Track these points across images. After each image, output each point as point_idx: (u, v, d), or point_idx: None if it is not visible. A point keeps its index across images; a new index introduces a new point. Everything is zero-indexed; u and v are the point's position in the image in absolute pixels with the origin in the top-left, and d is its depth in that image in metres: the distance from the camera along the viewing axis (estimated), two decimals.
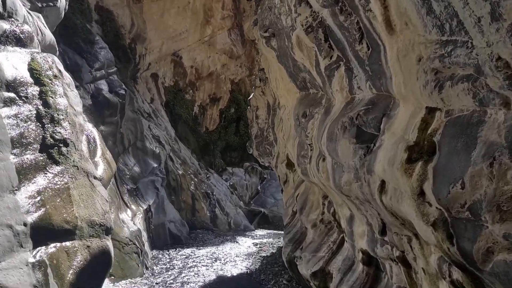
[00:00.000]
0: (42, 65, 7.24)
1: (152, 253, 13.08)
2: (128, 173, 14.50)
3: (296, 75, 8.09)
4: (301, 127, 7.69)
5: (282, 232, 21.05)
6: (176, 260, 12.63)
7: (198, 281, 10.76)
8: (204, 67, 25.99)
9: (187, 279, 10.86)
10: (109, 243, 6.87)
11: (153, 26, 22.10)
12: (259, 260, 13.15)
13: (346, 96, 5.91)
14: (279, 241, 15.86)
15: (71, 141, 6.99)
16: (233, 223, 20.19)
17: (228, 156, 27.11)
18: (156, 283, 10.22)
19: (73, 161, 6.85)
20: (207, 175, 22.87)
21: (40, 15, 9.34)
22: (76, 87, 13.05)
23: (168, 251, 13.70)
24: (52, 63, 7.63)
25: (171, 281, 10.57)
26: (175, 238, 14.99)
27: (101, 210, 6.90)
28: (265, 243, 16.14)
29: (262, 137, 14.69)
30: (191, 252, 13.80)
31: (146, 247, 12.47)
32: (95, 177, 7.34)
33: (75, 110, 7.80)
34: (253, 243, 16.12)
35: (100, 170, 10.60)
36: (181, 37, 24.12)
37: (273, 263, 12.42)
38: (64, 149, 6.73)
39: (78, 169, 6.91)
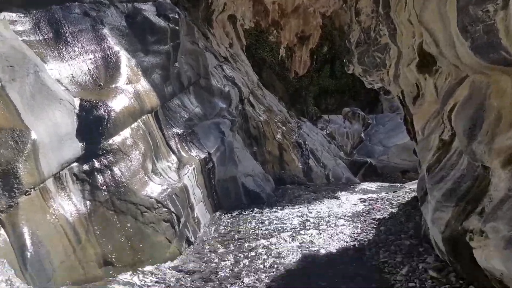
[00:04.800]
0: None
1: (210, 218, 8.39)
2: (185, 115, 9.90)
3: None
4: None
5: (397, 184, 15.11)
6: (246, 228, 7.77)
7: (274, 265, 5.82)
8: (288, 1, 20.29)
9: (256, 260, 5.99)
10: None
11: None
12: (372, 225, 7.70)
13: None
14: (397, 197, 10.10)
15: None
16: (332, 175, 14.79)
17: (323, 103, 21.41)
18: (199, 271, 5.51)
19: None
20: (298, 124, 17.61)
21: None
22: (99, 3, 8.71)
23: (238, 213, 8.91)
24: None
25: (228, 268, 5.76)
26: (252, 196, 10.17)
27: None
28: (377, 199, 10.50)
29: (367, 42, 8.86)
30: (272, 214, 8.88)
31: (199, 210, 7.79)
32: None
33: None
34: (359, 199, 10.60)
35: (116, 101, 5.97)
36: None
37: (398, 231, 6.87)
38: None
39: None
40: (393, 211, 8.48)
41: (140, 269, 5.25)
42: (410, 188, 11.05)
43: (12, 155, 4.58)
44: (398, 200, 9.62)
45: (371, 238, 6.91)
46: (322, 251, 6.50)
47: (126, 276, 4.97)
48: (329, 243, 6.82)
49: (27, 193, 4.64)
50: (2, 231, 4.16)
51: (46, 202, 4.91)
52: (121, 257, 5.26)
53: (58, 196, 5.15)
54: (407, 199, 9.43)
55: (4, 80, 5.06)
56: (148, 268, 5.34)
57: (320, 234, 7.37)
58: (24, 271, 4.08)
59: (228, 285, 5.09)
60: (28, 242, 4.28)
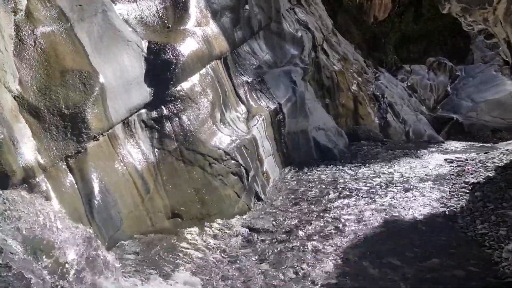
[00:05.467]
0: None
1: (279, 173, 7.98)
2: (255, 62, 9.31)
3: None
4: None
5: (487, 144, 13.49)
6: (319, 186, 7.27)
7: (351, 230, 5.30)
8: None
9: (330, 223, 5.52)
10: None
11: None
12: (464, 189, 6.77)
13: None
14: (492, 159, 8.86)
15: None
16: (412, 132, 13.55)
17: (405, 51, 19.43)
18: (269, 231, 5.16)
19: None
20: (376, 74, 16.21)
21: None
22: None
23: (310, 170, 8.40)
24: None
25: (300, 230, 5.35)
26: (324, 152, 9.56)
27: None
28: (466, 160, 9.34)
29: None
30: (346, 173, 8.26)
31: (268, 164, 7.39)
32: None
33: None
34: (445, 159, 9.51)
35: (185, 44, 5.66)
36: None
37: (499, 199, 5.91)
38: None
39: None
40: (489, 175, 7.41)
41: (207, 223, 5.02)
42: (507, 150, 9.66)
43: (80, 98, 4.39)
44: (494, 162, 8.42)
45: (464, 205, 6.05)
46: (406, 217, 5.82)
47: (193, 230, 4.76)
48: (414, 208, 6.09)
49: (95, 139, 4.48)
50: (70, 177, 4.04)
51: (114, 149, 4.74)
52: (189, 210, 5.05)
53: (127, 143, 4.97)
54: (505, 162, 8.20)
55: (72, 19, 4.80)
56: (216, 223, 5.10)
57: (402, 197, 6.64)
58: (91, 219, 3.97)
59: (301, 248, 4.69)
60: (95, 189, 4.15)
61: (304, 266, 4.25)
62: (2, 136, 3.33)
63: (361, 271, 4.21)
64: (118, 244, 4.16)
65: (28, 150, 3.73)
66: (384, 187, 7.26)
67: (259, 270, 4.14)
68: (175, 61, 5.77)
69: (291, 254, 4.54)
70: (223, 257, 4.37)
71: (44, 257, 3.10)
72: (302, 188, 7.07)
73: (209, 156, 5.60)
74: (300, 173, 8.07)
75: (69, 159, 4.13)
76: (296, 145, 9.02)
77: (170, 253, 4.12)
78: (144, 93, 5.37)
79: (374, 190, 7.02)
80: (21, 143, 3.66)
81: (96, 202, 4.09)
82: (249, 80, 8.40)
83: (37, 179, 3.67)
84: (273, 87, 9.03)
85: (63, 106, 4.21)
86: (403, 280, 4.02)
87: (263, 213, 5.80)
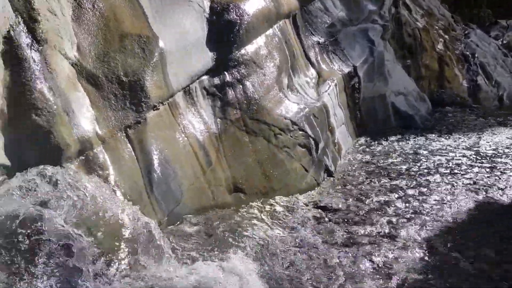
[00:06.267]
0: None
1: (352, 144, 7.30)
2: (327, 20, 8.46)
3: None
4: None
5: None
6: (397, 159, 6.52)
7: (438, 212, 4.60)
8: None
9: (412, 203, 4.85)
10: None
11: None
12: None
13: None
14: None
15: None
16: (507, 97, 11.88)
17: (498, 5, 16.94)
18: (340, 210, 4.63)
19: None
20: (465, 31, 14.32)
21: None
22: None
23: (387, 140, 7.61)
24: None
25: (377, 210, 4.77)
26: (403, 119, 8.61)
27: None
28: None
29: None
30: (429, 143, 7.34)
31: (340, 134, 6.74)
32: None
33: None
34: None
35: (249, 2, 5.30)
36: None
37: None
38: None
39: None
40: None
41: (271, 199, 4.64)
42: None
43: (139, 65, 4.12)
44: None
45: None
46: (502, 199, 4.95)
47: (256, 206, 4.42)
48: None
49: (155, 108, 4.23)
50: (129, 149, 3.86)
51: (175, 119, 4.48)
52: (252, 184, 4.70)
53: (188, 112, 4.69)
54: None
55: None
56: (281, 199, 4.70)
57: (500, 174, 5.69)
58: (150, 192, 3.78)
59: (377, 233, 4.14)
60: (155, 161, 3.94)
61: (381, 255, 3.72)
62: (55, 106, 3.17)
63: (451, 264, 3.57)
64: (177, 218, 3.96)
65: (85, 121, 3.56)
66: (475, 161, 6.30)
67: (328, 257, 3.70)
68: (239, 21, 5.28)
69: (365, 239, 4.01)
70: (287, 238, 3.98)
71: (97, 233, 2.95)
72: (379, 162, 6.38)
73: (274, 126, 5.15)
74: (376, 144, 7.31)
75: (128, 129, 3.93)
76: (372, 112, 8.21)
77: (230, 232, 3.83)
78: (206, 58, 5.00)
79: (462, 165, 6.11)
80: (77, 113, 3.49)
81: (155, 174, 3.88)
82: (320, 41, 7.66)
83: (95, 151, 3.51)
84: (348, 47, 8.20)
85: (122, 74, 3.98)
86: (505, 279, 3.33)
87: (333, 189, 5.28)
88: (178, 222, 3.91)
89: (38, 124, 3.03)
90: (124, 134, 3.90)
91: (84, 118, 3.58)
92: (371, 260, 3.64)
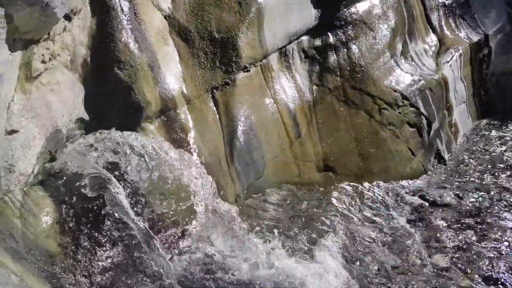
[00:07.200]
0: None
1: (472, 127, 6.09)
2: None
3: None
4: None
5: None
6: None
7: None
8: None
9: None
10: None
11: None
12: None
13: None
14: None
15: None
16: None
17: None
18: (450, 205, 3.79)
19: None
20: None
21: None
22: None
23: None
24: None
25: (501, 211, 3.85)
26: None
27: None
28: None
29: None
30: None
31: (458, 114, 5.61)
32: None
33: None
34: None
35: None
36: None
37: None
38: None
39: None
40: None
41: (366, 183, 4.01)
42: None
43: (233, 21, 3.73)
44: None
45: None
46: None
47: (348, 190, 3.85)
48: None
49: (246, 69, 3.85)
50: (214, 111, 3.56)
51: (266, 82, 4.06)
52: (345, 163, 4.11)
53: (282, 76, 4.22)
54: None
55: None
56: (378, 184, 4.04)
57: None
58: (230, 162, 3.46)
59: (495, 242, 3.30)
60: (240, 128, 3.59)
61: (500, 271, 2.93)
62: (139, 60, 2.94)
63: None
64: (256, 193, 3.61)
65: (171, 78, 3.32)
66: None
67: (430, 262, 3.04)
68: None
69: (479, 247, 3.22)
70: (381, 231, 3.39)
71: (171, 201, 2.72)
72: (505, 150, 5.22)
73: (380, 98, 4.42)
74: (504, 129, 6.01)
75: (215, 90, 3.63)
76: (502, 90, 6.79)
77: (316, 217, 3.36)
78: (309, 15, 4.40)
79: None
80: (164, 69, 3.26)
81: (238, 143, 3.54)
82: (447, 2, 6.43)
83: (178, 111, 3.28)
84: (480, 12, 6.80)
85: (215, 29, 3.64)
86: None
87: (443, 179, 4.41)
88: (258, 197, 3.56)
89: (119, 79, 2.84)
90: (210, 96, 3.61)
91: (171, 75, 3.33)
92: (485, 279, 2.88)
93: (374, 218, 3.59)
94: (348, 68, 4.45)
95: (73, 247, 2.23)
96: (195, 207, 2.78)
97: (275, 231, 2.96)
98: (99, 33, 2.85)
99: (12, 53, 2.10)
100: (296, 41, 4.31)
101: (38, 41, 2.32)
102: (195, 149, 3.22)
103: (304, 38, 4.38)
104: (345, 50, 4.53)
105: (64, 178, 2.34)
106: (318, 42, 4.46)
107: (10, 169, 2.13)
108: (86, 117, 2.71)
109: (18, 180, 2.19)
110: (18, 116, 2.19)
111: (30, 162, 2.26)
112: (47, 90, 2.44)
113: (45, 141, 2.37)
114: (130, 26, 3.02)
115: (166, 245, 2.51)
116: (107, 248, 2.31)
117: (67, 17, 2.52)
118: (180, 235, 2.58)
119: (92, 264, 2.20)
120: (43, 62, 2.40)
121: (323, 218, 3.31)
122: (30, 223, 2.13)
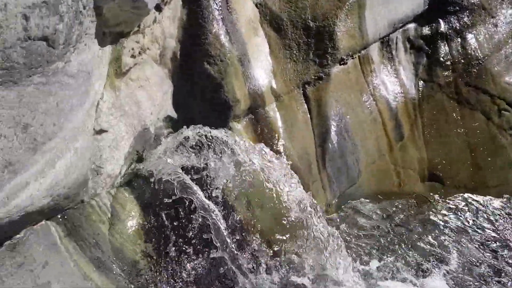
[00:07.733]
0: None
1: None
2: None
3: None
4: None
5: None
6: None
7: None
8: None
9: None
10: None
11: None
12: None
13: None
14: None
15: None
16: None
17: None
18: None
19: None
20: None
21: None
22: None
23: None
24: None
25: None
26: None
27: None
28: None
29: None
30: None
31: None
32: None
33: None
34: None
35: None
36: None
37: None
38: None
39: None
40: None
41: (481, 197, 3.40)
42: None
43: (331, 7, 3.34)
44: None
45: None
46: None
47: (458, 204, 3.28)
48: None
49: (342, 62, 3.44)
50: (305, 109, 3.23)
51: (364, 77, 3.61)
52: (455, 173, 3.52)
53: (383, 69, 3.74)
54: None
55: None
56: (494, 200, 3.41)
57: None
58: (321, 166, 3.11)
59: None
60: (333, 128, 3.22)
61: None
62: (229, 54, 2.70)
63: None
64: (349, 202, 3.22)
65: (261, 72, 3.04)
66: None
67: None
68: None
69: None
70: (494, 256, 2.82)
71: (256, 208, 2.48)
72: None
73: (500, 98, 3.73)
74: None
75: (307, 86, 3.29)
76: None
77: (419, 236, 2.89)
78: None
79: None
80: (254, 63, 2.99)
81: (331, 145, 3.18)
82: None
83: (266, 109, 3.00)
84: None
85: (310, 17, 3.27)
86: None
87: None
88: (351, 208, 3.18)
89: (208, 74, 2.62)
90: (302, 92, 3.28)
91: (260, 69, 3.06)
92: None
93: (489, 242, 3.00)
94: (463, 61, 3.81)
95: (157, 256, 2.09)
96: (290, 222, 2.51)
97: (374, 252, 2.57)
98: (189, 24, 2.65)
99: (101, 48, 1.97)
100: (401, 29, 3.78)
101: (128, 34, 2.17)
102: (283, 151, 2.93)
103: (411, 25, 3.82)
104: (459, 40, 3.88)
105: (152, 180, 2.20)
106: (426, 30, 3.87)
107: (98, 171, 2.03)
108: (174, 115, 2.56)
109: (105, 183, 2.09)
110: (107, 114, 2.08)
111: (118, 163, 2.16)
112: (136, 87, 2.31)
113: (133, 140, 2.25)
114: (222, 16, 2.79)
115: (253, 261, 2.27)
116: (192, 259, 2.14)
117: (158, 8, 2.35)
118: (268, 250, 2.33)
119: (175, 278, 2.04)
120: (133, 56, 2.27)
121: (430, 238, 2.83)
122: (116, 229, 2.03)
